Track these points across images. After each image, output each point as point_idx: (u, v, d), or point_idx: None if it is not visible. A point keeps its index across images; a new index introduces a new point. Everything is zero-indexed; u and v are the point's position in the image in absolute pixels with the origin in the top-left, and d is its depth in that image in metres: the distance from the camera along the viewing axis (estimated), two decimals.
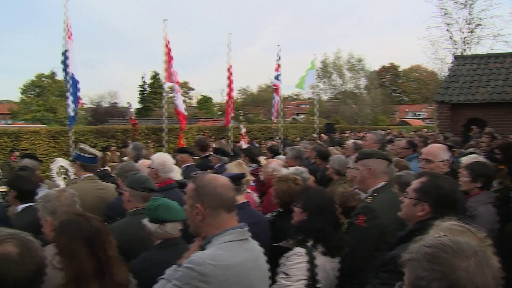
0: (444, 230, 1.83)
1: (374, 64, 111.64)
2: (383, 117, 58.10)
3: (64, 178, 13.53)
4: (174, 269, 2.32)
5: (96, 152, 5.01)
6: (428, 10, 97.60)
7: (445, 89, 16.89)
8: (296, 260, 3.11)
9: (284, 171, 5.13)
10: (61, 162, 15.13)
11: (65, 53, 12.20)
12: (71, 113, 12.76)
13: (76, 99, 12.58)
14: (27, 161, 6.44)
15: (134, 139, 19.22)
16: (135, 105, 66.70)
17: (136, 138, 19.57)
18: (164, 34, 15.00)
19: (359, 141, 8.13)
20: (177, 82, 15.24)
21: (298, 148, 7.14)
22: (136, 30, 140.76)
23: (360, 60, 58.18)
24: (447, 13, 31.79)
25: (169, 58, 14.97)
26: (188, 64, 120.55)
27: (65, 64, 12.22)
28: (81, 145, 4.92)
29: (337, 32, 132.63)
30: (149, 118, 41.30)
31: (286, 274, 3.07)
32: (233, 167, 5.27)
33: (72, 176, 12.72)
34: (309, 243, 3.24)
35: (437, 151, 4.55)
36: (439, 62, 35.64)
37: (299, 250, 3.17)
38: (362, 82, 59.25)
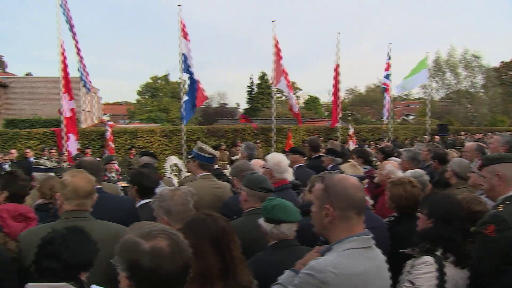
0: None
1: (492, 60, 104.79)
2: (503, 117, 53.68)
3: (176, 176, 14.21)
4: (290, 274, 2.28)
5: (215, 152, 5.08)
6: None
7: None
8: (424, 270, 2.94)
9: (401, 174, 4.91)
10: (174, 160, 15.94)
11: (184, 56, 12.94)
12: (187, 110, 13.40)
13: (195, 98, 13.22)
14: (146, 159, 6.74)
15: (243, 138, 19.70)
16: (243, 105, 68.39)
17: (246, 138, 20.01)
18: (273, 35, 15.23)
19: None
20: (288, 82, 15.46)
21: (414, 150, 6.79)
22: (244, 32, 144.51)
23: (476, 57, 54.32)
24: None
25: (278, 57, 15.19)
26: (296, 64, 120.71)
27: (186, 65, 12.98)
28: (201, 145, 5.01)
29: (450, 28, 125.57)
30: (257, 118, 42.08)
31: (412, 284, 2.92)
32: (348, 168, 5.15)
33: (184, 173, 13.30)
34: (439, 252, 3.06)
35: None
36: None
37: (428, 259, 2.99)
38: (479, 80, 55.39)
